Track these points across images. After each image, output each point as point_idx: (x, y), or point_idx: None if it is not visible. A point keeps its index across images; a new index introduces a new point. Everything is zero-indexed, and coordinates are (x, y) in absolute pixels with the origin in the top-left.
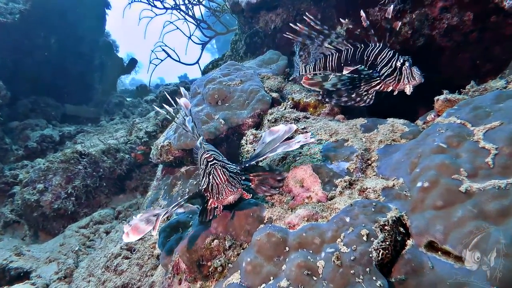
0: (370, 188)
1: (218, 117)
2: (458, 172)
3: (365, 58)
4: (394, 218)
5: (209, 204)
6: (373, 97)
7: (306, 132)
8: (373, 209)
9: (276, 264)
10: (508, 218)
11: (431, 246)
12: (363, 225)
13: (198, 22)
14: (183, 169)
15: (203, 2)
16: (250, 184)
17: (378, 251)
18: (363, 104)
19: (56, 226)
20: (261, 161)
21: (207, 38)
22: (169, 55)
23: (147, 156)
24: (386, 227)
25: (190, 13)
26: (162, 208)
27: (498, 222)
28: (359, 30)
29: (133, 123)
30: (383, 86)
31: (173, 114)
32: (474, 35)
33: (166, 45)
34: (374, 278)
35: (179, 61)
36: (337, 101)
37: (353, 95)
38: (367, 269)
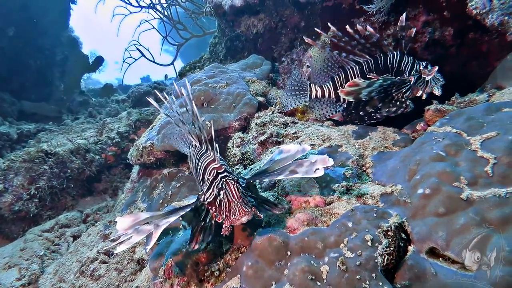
0: (368, 194)
1: (204, 119)
2: (459, 180)
3: (390, 66)
4: (396, 223)
5: (209, 221)
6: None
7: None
8: (375, 215)
9: (277, 268)
10: (510, 225)
11: (432, 252)
12: (367, 230)
13: (174, 23)
14: (165, 171)
15: (183, 4)
16: (253, 201)
17: (383, 257)
18: (408, 110)
19: (15, 229)
20: (274, 181)
21: (177, 40)
22: (143, 55)
23: (118, 157)
24: (389, 233)
25: (166, 13)
26: (149, 215)
27: (500, 229)
28: (344, 39)
29: (104, 123)
30: (413, 90)
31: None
32: (453, 50)
33: (140, 44)
34: (380, 283)
35: (153, 61)
36: (388, 112)
37: (397, 103)
38: (373, 275)
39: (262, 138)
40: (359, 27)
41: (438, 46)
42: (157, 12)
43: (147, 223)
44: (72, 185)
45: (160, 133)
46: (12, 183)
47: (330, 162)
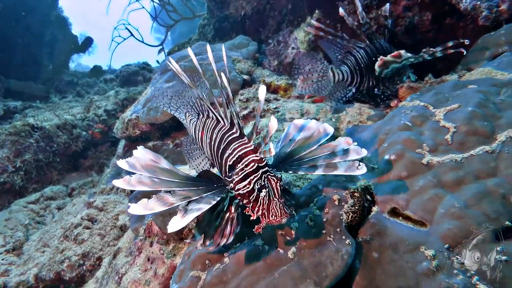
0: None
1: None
2: (421, 147)
3: (385, 51)
4: (363, 186)
5: (234, 210)
6: None
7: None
8: (344, 179)
9: (251, 226)
10: (462, 186)
11: (394, 212)
12: (335, 191)
13: (164, 4)
14: (150, 144)
15: None
16: None
17: (348, 214)
18: None
19: (0, 201)
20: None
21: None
22: (132, 34)
23: (104, 135)
24: (355, 194)
25: None
26: (168, 167)
27: (454, 190)
28: (328, 21)
29: (91, 100)
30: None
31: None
32: (430, 35)
33: (129, 23)
34: (343, 237)
35: (142, 41)
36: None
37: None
38: (338, 229)
39: (245, 112)
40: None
41: (417, 31)
42: None
43: (169, 192)
44: (58, 160)
45: (145, 106)
46: None
47: (364, 152)
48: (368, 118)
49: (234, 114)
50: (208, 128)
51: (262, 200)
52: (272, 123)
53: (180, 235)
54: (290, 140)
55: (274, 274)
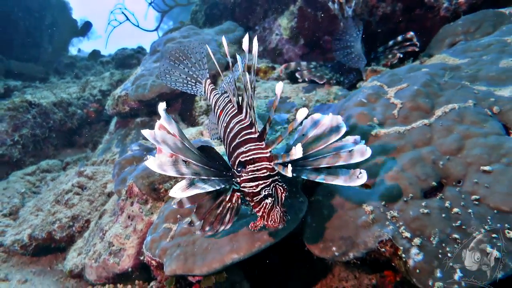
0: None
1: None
2: (372, 120)
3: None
4: None
5: (235, 201)
6: None
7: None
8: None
9: None
10: (401, 153)
11: None
12: None
13: None
14: (138, 119)
15: None
16: None
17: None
18: None
19: None
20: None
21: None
22: (128, 19)
23: (99, 114)
24: None
25: None
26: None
27: (395, 156)
28: (309, 9)
29: (87, 81)
30: None
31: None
32: (403, 25)
33: (126, 9)
34: (297, 195)
35: (138, 26)
36: None
37: None
38: (293, 189)
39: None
40: None
41: (390, 21)
42: None
43: (185, 161)
44: (54, 136)
45: (134, 84)
46: None
47: (368, 153)
48: (335, 98)
49: (267, 122)
50: (226, 113)
51: (265, 205)
52: (298, 150)
53: (158, 195)
54: (303, 135)
55: (235, 225)
